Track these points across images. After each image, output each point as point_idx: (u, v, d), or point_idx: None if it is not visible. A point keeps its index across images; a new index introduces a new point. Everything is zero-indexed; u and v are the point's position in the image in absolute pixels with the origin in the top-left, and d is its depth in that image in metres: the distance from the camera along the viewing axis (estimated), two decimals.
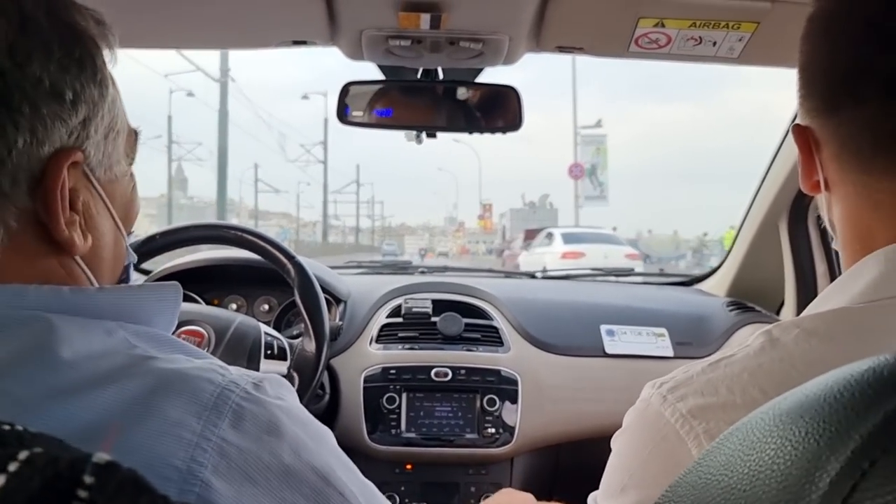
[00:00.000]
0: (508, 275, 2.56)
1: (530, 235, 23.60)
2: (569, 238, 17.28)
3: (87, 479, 0.35)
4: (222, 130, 19.72)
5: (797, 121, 0.71)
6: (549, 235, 18.55)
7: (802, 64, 0.70)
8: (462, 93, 1.47)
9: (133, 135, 0.67)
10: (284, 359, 1.48)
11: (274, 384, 0.57)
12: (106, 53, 0.61)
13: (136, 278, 1.96)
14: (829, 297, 0.68)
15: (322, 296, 1.51)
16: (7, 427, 0.38)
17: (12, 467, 0.35)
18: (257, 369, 1.42)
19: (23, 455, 0.36)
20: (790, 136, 1.77)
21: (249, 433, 0.51)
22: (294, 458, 0.53)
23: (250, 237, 1.54)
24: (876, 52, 0.63)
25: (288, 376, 1.48)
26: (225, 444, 0.50)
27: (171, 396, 0.50)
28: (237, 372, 0.56)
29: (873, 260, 0.65)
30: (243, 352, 1.42)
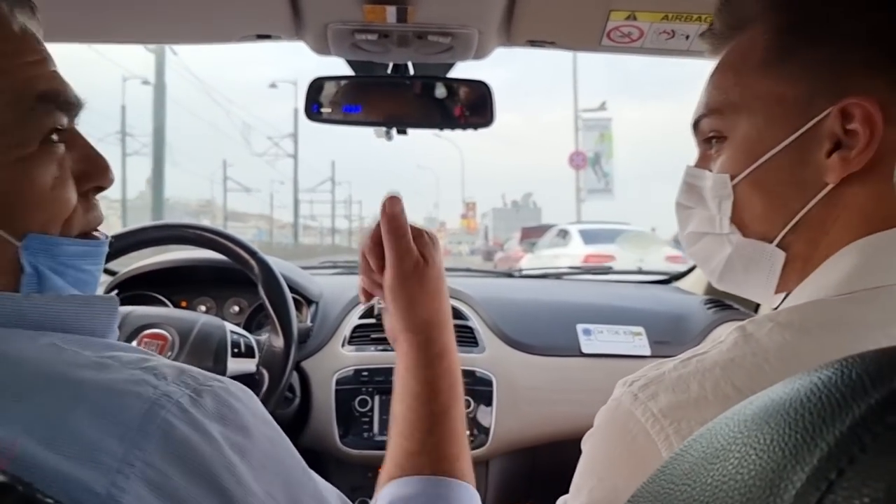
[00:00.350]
0: (485, 274, 2.53)
1: (530, 234, 21.44)
2: (589, 236, 13.48)
3: None
4: (158, 107, 18.66)
5: (840, 96, 0.65)
6: (564, 233, 14.85)
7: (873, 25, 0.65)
8: (432, 88, 1.44)
9: (29, 101, 0.55)
10: (252, 356, 1.45)
11: (219, 395, 0.52)
12: None
13: (101, 281, 1.92)
14: (804, 290, 0.67)
15: (287, 291, 1.48)
16: None
17: None
18: (224, 368, 1.39)
19: None
20: None
21: (178, 455, 0.46)
22: (233, 484, 0.48)
23: (211, 235, 1.50)
24: None
25: (257, 374, 1.45)
26: (149, 469, 0.45)
27: (92, 415, 0.45)
28: (176, 379, 0.50)
29: (848, 252, 0.64)
30: (209, 352, 1.39)
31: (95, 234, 0.63)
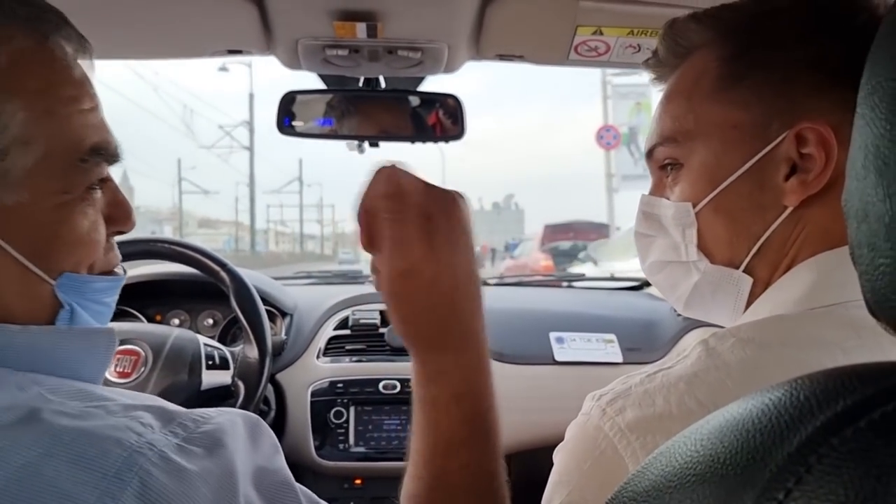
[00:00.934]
0: None
1: (556, 235, 15.29)
2: None
3: None
4: None
5: (796, 121, 0.65)
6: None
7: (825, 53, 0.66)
8: (404, 102, 1.46)
9: (77, 154, 0.57)
10: (227, 368, 1.46)
11: (221, 432, 0.51)
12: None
13: None
14: (763, 305, 0.68)
15: (259, 301, 1.49)
16: None
17: None
18: (200, 381, 1.40)
19: None
20: None
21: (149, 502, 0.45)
22: None
23: (181, 249, 1.51)
24: None
25: (232, 385, 1.46)
26: None
27: (67, 462, 0.44)
28: (163, 428, 0.49)
29: (805, 268, 0.65)
30: (183, 365, 1.39)
31: (116, 270, 0.66)
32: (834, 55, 0.65)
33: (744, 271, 0.70)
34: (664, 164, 0.74)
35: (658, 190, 0.76)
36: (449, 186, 0.68)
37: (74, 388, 0.51)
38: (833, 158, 0.64)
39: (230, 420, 0.54)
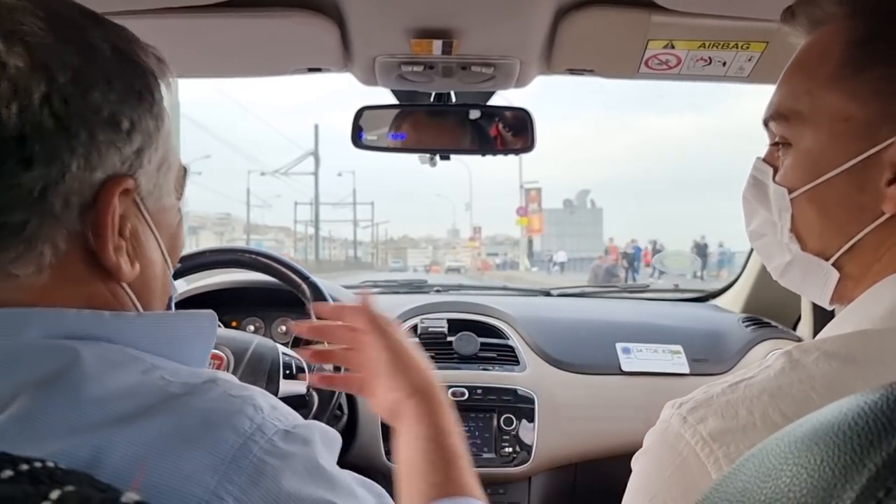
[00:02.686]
0: (523, 292, 2.56)
1: None
2: None
3: None
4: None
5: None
6: None
7: None
8: (474, 116, 1.49)
9: (182, 170, 0.68)
10: (303, 378, 1.50)
11: (308, 435, 0.56)
12: (163, 89, 0.62)
13: None
14: (848, 319, 0.67)
15: None
16: (39, 464, 0.39)
17: None
18: (276, 390, 1.44)
19: (54, 494, 0.36)
20: None
21: (268, 492, 0.50)
22: None
23: (264, 259, 1.56)
24: None
25: (307, 395, 1.50)
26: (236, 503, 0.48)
27: (189, 445, 0.49)
28: (271, 416, 0.54)
29: (893, 283, 0.64)
30: (262, 373, 1.44)
31: None
32: None
33: (833, 264, 0.70)
34: (775, 141, 0.74)
35: (770, 157, 0.76)
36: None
37: (188, 372, 0.56)
38: None
39: (317, 425, 0.60)
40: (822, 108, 0.68)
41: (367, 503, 0.59)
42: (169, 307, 0.69)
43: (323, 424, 0.61)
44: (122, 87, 0.56)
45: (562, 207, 75.21)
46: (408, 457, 0.84)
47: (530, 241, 62.90)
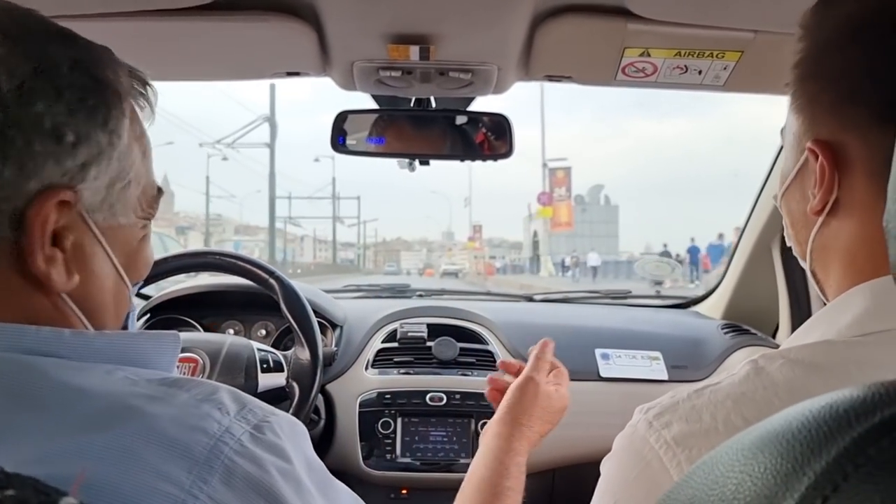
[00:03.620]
0: (505, 297, 2.56)
1: None
2: None
3: None
4: None
5: (813, 137, 0.68)
6: None
7: (843, 70, 0.65)
8: (454, 121, 1.49)
9: (154, 191, 0.68)
10: (281, 370, 1.51)
11: (280, 430, 0.57)
12: (130, 108, 0.64)
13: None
14: (814, 328, 0.68)
15: (308, 305, 1.53)
16: None
17: None
18: (256, 384, 1.45)
19: None
20: (782, 160, 1.79)
21: (240, 491, 0.51)
22: None
23: (231, 260, 1.56)
24: None
25: (287, 387, 1.51)
26: (209, 501, 0.49)
27: (161, 447, 0.50)
28: (238, 415, 0.55)
29: (859, 293, 0.65)
30: (239, 370, 1.45)
31: None
32: (855, 70, 0.64)
33: (810, 268, 0.73)
34: None
35: None
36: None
37: (154, 376, 0.57)
38: (826, 178, 0.66)
39: (285, 417, 0.61)
40: (787, 123, 0.74)
41: (338, 501, 0.61)
42: (126, 324, 0.69)
43: (290, 417, 0.62)
44: (74, 100, 0.57)
45: (574, 203, 65.77)
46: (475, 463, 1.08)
47: (535, 243, 57.53)
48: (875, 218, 0.64)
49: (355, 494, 0.72)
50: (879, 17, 0.63)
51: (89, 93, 0.58)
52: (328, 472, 0.65)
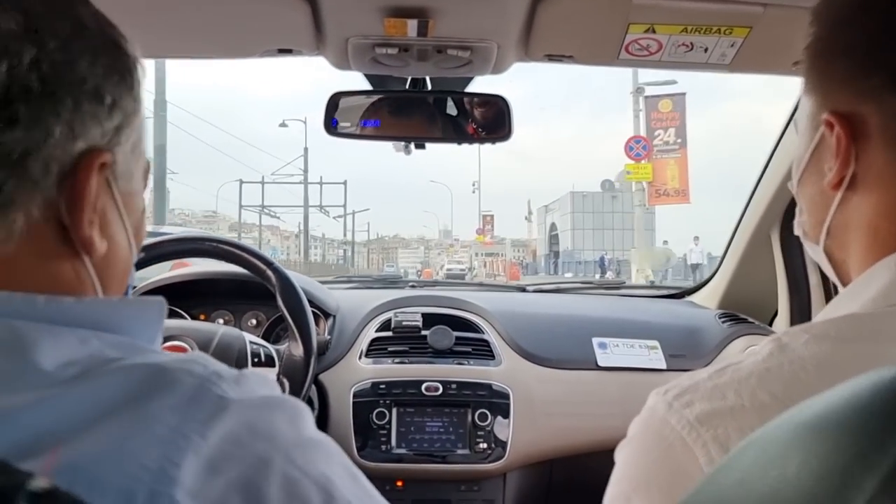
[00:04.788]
0: (499, 288, 2.54)
1: None
2: None
3: None
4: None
5: (829, 110, 0.67)
6: None
7: (855, 43, 0.66)
8: (451, 103, 1.46)
9: (147, 164, 0.68)
10: (272, 365, 1.47)
11: (258, 379, 0.55)
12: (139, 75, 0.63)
13: None
14: (840, 305, 0.67)
15: (305, 299, 1.49)
16: None
17: None
18: None
19: None
20: (783, 144, 1.77)
21: (229, 428, 0.49)
22: (270, 452, 0.50)
23: (227, 248, 1.52)
24: None
25: (279, 381, 1.47)
26: (202, 440, 0.47)
27: (143, 390, 0.47)
28: (221, 366, 0.53)
29: (884, 267, 0.63)
30: (230, 362, 1.40)
31: None
32: (868, 41, 0.64)
33: (825, 251, 0.72)
34: None
35: None
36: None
37: (132, 344, 0.54)
38: (843, 149, 0.65)
39: (260, 373, 0.63)
40: (800, 108, 0.74)
41: (315, 437, 0.56)
42: (126, 292, 0.68)
43: (263, 371, 0.60)
44: (107, 63, 0.57)
45: (598, 190, 53.66)
46: None
47: (553, 237, 53.35)
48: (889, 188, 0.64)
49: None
50: None
51: (116, 57, 0.59)
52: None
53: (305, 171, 44.06)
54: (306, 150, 43.99)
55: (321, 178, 45.42)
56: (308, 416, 0.56)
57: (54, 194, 0.54)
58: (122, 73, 0.59)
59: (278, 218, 49.59)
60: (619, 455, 0.66)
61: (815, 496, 0.28)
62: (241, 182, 43.16)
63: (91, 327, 0.54)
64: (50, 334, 0.50)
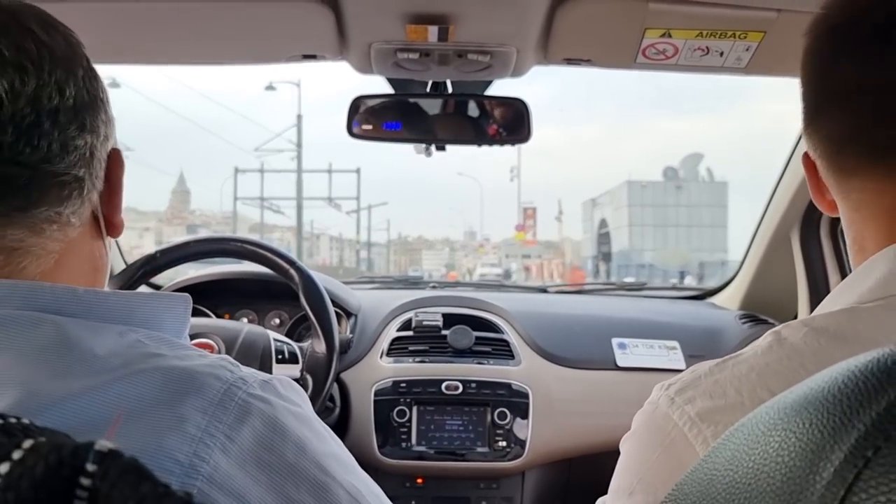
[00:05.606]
0: (519, 289, 2.56)
1: None
2: None
3: (90, 467, 0.36)
4: None
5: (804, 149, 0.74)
6: None
7: (804, 94, 0.73)
8: (471, 105, 1.48)
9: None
10: (296, 362, 1.50)
11: (284, 384, 0.60)
12: None
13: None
14: (838, 297, 0.68)
15: (327, 297, 1.52)
16: (14, 420, 0.39)
17: (17, 455, 0.36)
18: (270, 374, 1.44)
19: (27, 444, 0.37)
20: (801, 146, 1.78)
21: (254, 429, 0.53)
22: (298, 456, 0.54)
23: (251, 247, 1.55)
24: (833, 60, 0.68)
25: (301, 379, 1.50)
26: (228, 441, 0.51)
27: (178, 392, 0.51)
28: (248, 370, 0.57)
29: (882, 257, 0.65)
30: (254, 359, 1.44)
31: None
32: (810, 79, 0.72)
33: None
34: None
35: None
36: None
37: (164, 339, 0.59)
38: (813, 180, 0.75)
39: (287, 378, 0.64)
40: None
41: (341, 453, 0.62)
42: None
43: (292, 379, 0.64)
44: (97, 75, 0.64)
45: (660, 180, 44.95)
46: None
47: (602, 237, 43.41)
48: (840, 206, 0.72)
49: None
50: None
51: (92, 68, 0.65)
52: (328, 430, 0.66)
53: (299, 145, 33.72)
54: (300, 118, 34.10)
55: (330, 165, 37.19)
56: (330, 433, 0.62)
57: (102, 186, 0.64)
58: (101, 81, 0.65)
59: (282, 213, 41.10)
60: (624, 447, 0.69)
61: (792, 468, 0.31)
62: (237, 170, 37.09)
63: (124, 320, 0.58)
64: (91, 330, 0.54)
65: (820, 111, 0.69)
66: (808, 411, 0.33)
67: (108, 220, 0.65)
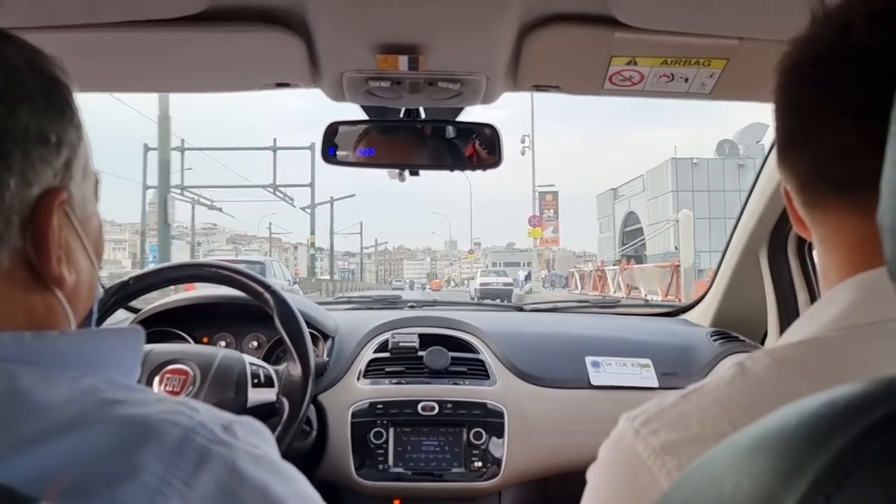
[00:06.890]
0: (496, 307, 2.58)
1: None
2: None
3: None
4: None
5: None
6: None
7: (777, 129, 0.73)
8: (443, 131, 1.50)
9: (96, 177, 0.69)
10: (272, 385, 1.51)
11: (245, 428, 0.57)
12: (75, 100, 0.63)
13: (123, 318, 1.97)
14: (801, 327, 0.68)
15: (302, 320, 1.53)
16: None
17: None
18: (245, 399, 1.45)
19: None
20: (769, 164, 1.81)
21: (215, 475, 0.51)
22: (260, 502, 0.52)
23: (226, 273, 1.56)
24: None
25: (277, 402, 1.50)
26: (187, 489, 0.49)
27: (135, 441, 0.49)
28: (207, 414, 0.55)
29: (843, 289, 0.66)
30: (230, 384, 1.44)
31: None
32: (780, 139, 0.71)
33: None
34: None
35: None
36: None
37: (119, 383, 0.56)
38: (793, 210, 0.74)
39: (250, 420, 0.60)
40: None
41: (308, 493, 0.59)
42: (91, 313, 0.69)
43: (255, 420, 0.61)
44: (45, 103, 0.58)
45: (713, 156, 35.73)
46: None
47: (628, 234, 35.43)
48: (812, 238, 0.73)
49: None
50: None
51: (53, 93, 0.59)
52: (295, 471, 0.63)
53: (275, 155, 28.12)
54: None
55: (275, 141, 29.33)
56: (296, 473, 0.59)
57: (20, 242, 0.56)
58: (62, 107, 0.60)
59: (218, 209, 33.25)
60: (590, 478, 0.68)
61: None
62: (146, 148, 26.34)
63: (76, 363, 0.56)
64: (42, 378, 0.52)
65: (790, 145, 0.70)
66: (761, 453, 0.33)
67: (44, 272, 0.58)
